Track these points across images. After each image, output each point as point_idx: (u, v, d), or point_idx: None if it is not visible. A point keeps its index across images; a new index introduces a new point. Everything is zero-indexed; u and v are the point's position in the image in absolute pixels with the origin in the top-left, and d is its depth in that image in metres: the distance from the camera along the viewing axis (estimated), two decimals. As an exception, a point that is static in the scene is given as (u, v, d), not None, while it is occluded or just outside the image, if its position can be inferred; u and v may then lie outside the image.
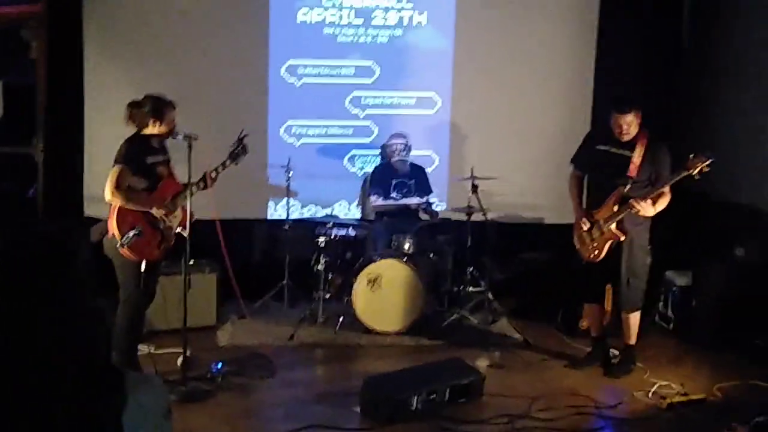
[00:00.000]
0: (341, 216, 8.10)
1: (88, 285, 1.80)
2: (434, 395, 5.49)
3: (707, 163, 5.67)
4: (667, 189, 5.92)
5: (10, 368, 1.67)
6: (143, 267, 5.50)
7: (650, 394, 5.90)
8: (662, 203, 5.95)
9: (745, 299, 6.93)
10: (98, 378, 1.73)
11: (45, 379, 1.67)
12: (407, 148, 7.68)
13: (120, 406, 1.73)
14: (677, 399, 5.75)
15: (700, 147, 5.92)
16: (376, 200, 7.71)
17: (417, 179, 7.78)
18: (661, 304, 7.52)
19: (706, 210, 7.72)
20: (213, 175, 5.94)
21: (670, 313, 7.42)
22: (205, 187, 5.90)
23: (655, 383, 6.04)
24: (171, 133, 5.66)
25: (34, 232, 1.80)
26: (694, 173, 5.71)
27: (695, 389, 5.98)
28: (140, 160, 5.56)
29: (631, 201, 5.86)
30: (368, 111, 8.18)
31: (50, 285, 1.73)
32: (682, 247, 7.65)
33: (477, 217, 7.18)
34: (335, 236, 7.29)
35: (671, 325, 7.39)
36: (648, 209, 5.89)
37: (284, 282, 7.53)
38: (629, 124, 5.96)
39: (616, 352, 6.51)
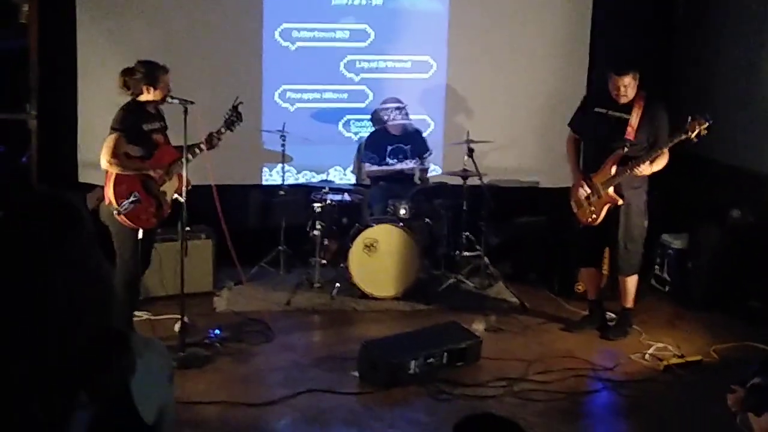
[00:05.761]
0: (336, 181, 8.07)
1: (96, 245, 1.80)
2: (432, 359, 5.51)
3: (705, 126, 5.66)
4: (665, 150, 5.92)
5: (24, 332, 1.66)
6: (140, 234, 5.50)
7: (647, 356, 5.95)
8: (660, 163, 5.94)
9: (740, 261, 6.96)
10: (108, 340, 1.72)
11: (56, 341, 1.66)
12: (403, 110, 7.64)
13: (130, 370, 1.72)
14: (674, 361, 5.80)
15: (697, 108, 5.90)
16: (370, 167, 7.69)
17: (413, 143, 7.74)
18: (657, 266, 7.53)
19: (702, 172, 7.70)
20: (212, 140, 5.90)
21: (666, 275, 7.43)
22: (201, 151, 5.85)
23: (651, 345, 6.10)
24: (166, 98, 5.62)
25: (37, 194, 1.79)
26: (692, 136, 5.70)
27: (691, 351, 6.02)
28: (136, 128, 5.54)
29: (631, 164, 5.85)
30: (363, 75, 8.11)
31: (64, 244, 1.72)
32: (678, 209, 7.65)
33: (473, 181, 7.16)
34: (331, 202, 7.25)
35: (667, 288, 7.40)
36: (646, 170, 5.89)
37: (280, 248, 7.53)
38: (627, 86, 5.93)
39: (613, 315, 6.53)
